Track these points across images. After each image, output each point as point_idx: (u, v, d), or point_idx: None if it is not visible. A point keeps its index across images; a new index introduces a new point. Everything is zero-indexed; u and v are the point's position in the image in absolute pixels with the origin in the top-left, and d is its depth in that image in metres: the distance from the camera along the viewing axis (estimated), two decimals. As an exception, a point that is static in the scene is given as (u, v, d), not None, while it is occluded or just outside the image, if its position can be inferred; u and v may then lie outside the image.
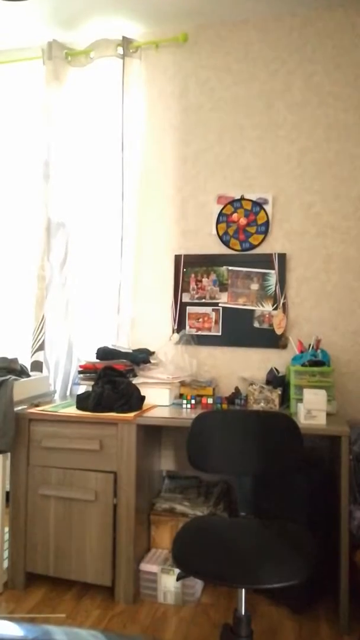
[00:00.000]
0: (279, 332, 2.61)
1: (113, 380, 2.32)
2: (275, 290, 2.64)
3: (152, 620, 2.03)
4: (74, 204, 2.86)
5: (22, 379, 2.37)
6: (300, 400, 2.23)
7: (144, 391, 2.37)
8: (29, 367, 2.74)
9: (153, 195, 2.84)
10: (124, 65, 2.77)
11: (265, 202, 2.67)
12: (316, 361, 2.33)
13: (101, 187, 2.88)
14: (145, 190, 2.85)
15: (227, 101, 2.75)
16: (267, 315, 2.64)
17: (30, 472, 2.24)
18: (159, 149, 2.84)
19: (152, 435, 2.42)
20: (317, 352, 2.40)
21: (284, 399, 2.38)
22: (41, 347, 2.80)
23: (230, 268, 2.70)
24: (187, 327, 2.74)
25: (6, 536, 2.32)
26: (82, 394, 2.30)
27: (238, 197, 2.71)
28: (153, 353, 2.71)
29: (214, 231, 2.74)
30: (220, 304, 2.71)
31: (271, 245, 2.67)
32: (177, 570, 2.11)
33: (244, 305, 2.68)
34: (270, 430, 1.90)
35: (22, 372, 2.49)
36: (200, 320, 2.73)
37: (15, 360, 2.49)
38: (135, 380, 2.43)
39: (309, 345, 2.47)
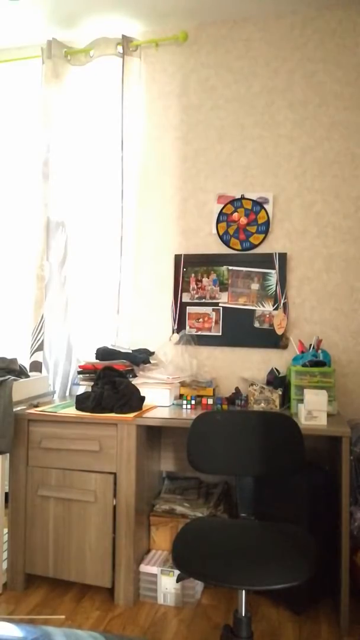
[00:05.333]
0: (279, 332, 2.59)
1: (113, 381, 2.31)
2: (275, 290, 2.63)
3: (151, 621, 2.02)
4: (74, 204, 2.85)
5: (21, 379, 2.36)
6: (301, 400, 2.22)
7: (143, 391, 2.37)
8: (28, 368, 2.73)
9: (153, 194, 2.83)
10: (123, 64, 2.76)
11: (266, 201, 2.66)
12: (317, 361, 2.32)
13: (101, 187, 2.87)
14: (145, 189, 2.84)
15: (228, 100, 2.74)
16: (267, 315, 2.63)
17: (29, 473, 2.23)
18: (158, 147, 2.83)
19: (152, 435, 2.41)
20: (318, 353, 2.39)
21: (285, 399, 2.37)
22: (40, 347, 2.79)
23: (230, 268, 2.69)
24: (187, 327, 2.73)
25: (5, 537, 2.31)
26: (82, 395, 2.29)
27: (238, 196, 2.70)
28: (153, 353, 2.70)
29: (214, 231, 2.73)
30: (220, 304, 2.70)
31: (272, 245, 2.66)
32: (177, 572, 2.10)
33: (245, 305, 2.67)
34: (270, 431, 1.89)
35: (21, 373, 2.48)
36: (200, 320, 2.72)
37: (14, 361, 2.48)
38: (135, 381, 2.43)
39: (310, 345, 2.46)
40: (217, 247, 2.73)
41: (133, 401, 2.22)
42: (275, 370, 2.53)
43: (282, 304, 2.61)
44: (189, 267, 2.75)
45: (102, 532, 2.13)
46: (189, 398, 2.40)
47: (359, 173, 2.57)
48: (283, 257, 2.63)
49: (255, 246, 2.67)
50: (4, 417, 2.16)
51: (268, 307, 2.63)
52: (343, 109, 2.59)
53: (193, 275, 2.74)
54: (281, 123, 2.67)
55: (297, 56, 2.65)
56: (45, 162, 2.83)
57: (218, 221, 2.72)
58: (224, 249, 2.72)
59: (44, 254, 2.81)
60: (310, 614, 2.07)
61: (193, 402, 2.40)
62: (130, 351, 2.60)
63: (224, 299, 2.70)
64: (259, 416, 1.92)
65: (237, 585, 1.46)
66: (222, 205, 2.72)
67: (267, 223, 2.65)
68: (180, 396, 2.55)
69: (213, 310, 2.71)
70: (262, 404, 2.32)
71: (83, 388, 2.54)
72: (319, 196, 2.61)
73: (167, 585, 2.13)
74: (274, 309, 2.63)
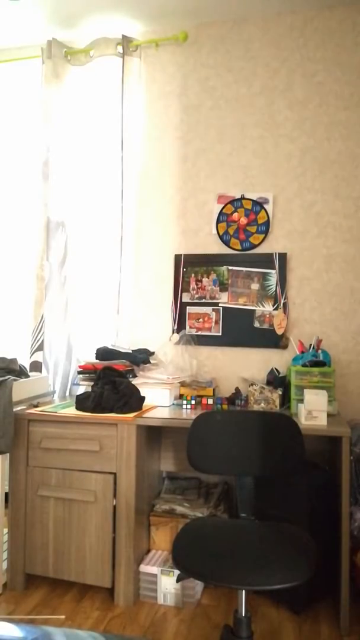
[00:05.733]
0: (279, 332, 2.59)
1: (113, 381, 2.31)
2: (275, 290, 2.63)
3: (151, 621, 2.02)
4: (74, 204, 2.85)
5: (21, 379, 2.36)
6: (301, 400, 2.22)
7: (143, 391, 2.37)
8: (28, 368, 2.73)
9: (153, 194, 2.83)
10: (123, 64, 2.76)
11: (266, 201, 2.66)
12: (317, 361, 2.32)
13: (101, 187, 2.87)
14: (145, 189, 2.84)
15: (228, 100, 2.74)
16: (267, 315, 2.63)
17: (29, 473, 2.23)
18: (158, 148, 2.83)
19: (152, 436, 2.41)
20: (318, 353, 2.39)
21: (285, 399, 2.37)
22: (40, 347, 2.79)
23: (230, 268, 2.69)
24: (187, 327, 2.73)
25: (5, 537, 2.31)
26: (82, 395, 2.29)
27: (238, 196, 2.70)
28: (153, 353, 2.70)
29: (214, 231, 2.73)
30: (220, 304, 2.70)
31: (272, 245, 2.66)
32: (177, 572, 2.10)
33: (245, 305, 2.67)
34: (270, 431, 1.89)
35: (21, 373, 2.48)
36: (201, 320, 2.72)
37: (14, 361, 2.48)
38: (135, 381, 2.43)
39: (310, 345, 2.46)
40: (217, 247, 2.73)
41: (133, 401, 2.22)
42: (275, 370, 2.53)
43: (282, 304, 2.61)
44: (189, 267, 2.75)
45: (102, 532, 2.13)
46: (189, 398, 2.40)
47: (359, 173, 2.57)
48: (283, 257, 2.63)
49: (255, 246, 2.67)
50: (4, 417, 2.16)
51: (268, 307, 2.63)
52: (343, 109, 2.59)
53: (193, 275, 2.74)
54: (281, 123, 2.67)
55: (297, 56, 2.65)
56: (45, 162, 2.83)
57: (218, 221, 2.72)
58: (224, 249, 2.71)
59: (44, 254, 2.81)
60: (310, 614, 2.07)
61: (193, 402, 2.40)
62: (130, 351, 2.60)
63: (224, 299, 2.70)
64: (259, 416, 1.92)
65: (237, 585, 1.46)
66: (222, 205, 2.72)
67: (267, 223, 2.65)
68: (180, 396, 2.55)
69: (213, 310, 2.71)
70: (262, 404, 2.32)
71: (83, 388, 2.54)
72: (319, 196, 2.61)
73: (167, 585, 2.13)
74: (274, 309, 2.63)
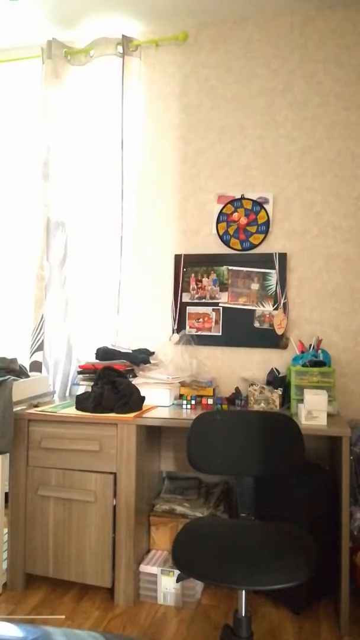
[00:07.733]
0: (279, 332, 2.59)
1: (113, 381, 2.31)
2: (275, 290, 2.63)
3: (151, 621, 2.02)
4: (74, 204, 2.85)
5: (21, 379, 2.36)
6: (301, 400, 2.22)
7: (143, 391, 2.37)
8: (28, 368, 2.73)
9: (153, 194, 2.83)
10: (123, 64, 2.76)
11: (266, 201, 2.66)
12: (317, 361, 2.32)
13: (101, 186, 2.87)
14: (145, 189, 2.84)
15: (228, 100, 2.74)
16: (267, 315, 2.63)
17: (29, 473, 2.23)
18: (158, 148, 2.83)
19: (152, 436, 2.41)
20: (318, 353, 2.39)
21: (285, 399, 2.37)
22: (40, 348, 2.79)
23: (230, 268, 2.69)
24: (187, 327, 2.73)
25: (5, 537, 2.31)
26: (82, 395, 2.29)
27: (238, 196, 2.70)
28: (153, 353, 2.70)
29: (214, 230, 2.73)
30: (220, 304, 2.70)
31: (272, 245, 2.66)
32: (177, 572, 2.10)
33: (245, 305, 2.67)
34: (270, 431, 1.89)
35: (21, 373, 2.47)
36: (201, 320, 2.72)
37: (14, 361, 2.48)
38: (135, 381, 2.43)
39: (310, 345, 2.46)
40: (217, 247, 2.73)
41: (133, 401, 2.22)
42: (275, 370, 2.53)
43: (282, 304, 2.61)
44: (189, 267, 2.75)
45: (102, 532, 2.13)
46: (189, 398, 2.40)
47: (359, 173, 2.57)
48: (283, 257, 2.63)
49: (255, 246, 2.67)
50: (4, 417, 2.16)
51: (268, 307, 2.63)
52: (343, 109, 2.59)
53: (193, 275, 2.74)
54: (281, 123, 2.67)
55: (297, 56, 2.65)
56: (45, 162, 2.83)
57: (218, 221, 2.72)
58: (224, 249, 2.71)
59: (44, 254, 2.81)
60: (310, 613, 2.07)
61: (193, 402, 2.40)
62: (130, 351, 2.60)
63: (224, 299, 2.70)
64: (259, 416, 1.92)
65: (237, 585, 1.45)
66: (222, 205, 2.72)
67: (267, 223, 2.65)
68: (180, 396, 2.54)
69: (213, 310, 2.70)
70: (262, 404, 2.32)
71: (83, 388, 2.54)
72: (319, 196, 2.61)
73: (167, 585, 2.13)
74: (274, 309, 2.63)
